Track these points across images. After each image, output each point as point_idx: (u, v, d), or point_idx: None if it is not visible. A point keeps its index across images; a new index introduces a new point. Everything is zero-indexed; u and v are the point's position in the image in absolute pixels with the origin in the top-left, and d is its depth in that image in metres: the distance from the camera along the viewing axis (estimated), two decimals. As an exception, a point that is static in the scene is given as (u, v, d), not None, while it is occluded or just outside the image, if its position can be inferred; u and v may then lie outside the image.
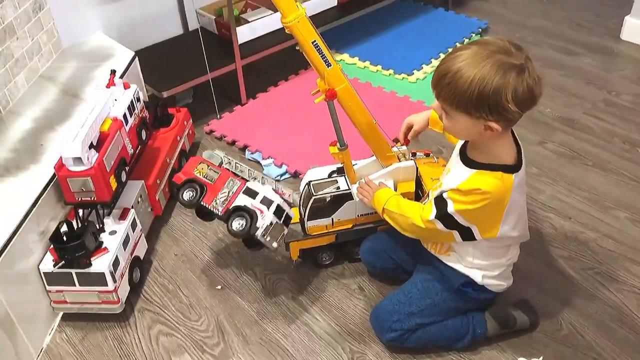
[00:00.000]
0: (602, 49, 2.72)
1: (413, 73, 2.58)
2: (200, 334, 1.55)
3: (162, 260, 1.77)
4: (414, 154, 2.07)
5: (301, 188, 1.64)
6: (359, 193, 1.55)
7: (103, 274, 1.50)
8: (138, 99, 1.81)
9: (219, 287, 1.68)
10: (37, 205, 1.53)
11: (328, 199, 1.60)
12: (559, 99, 2.39)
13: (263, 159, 2.12)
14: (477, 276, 1.39)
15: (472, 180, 1.24)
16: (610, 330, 1.50)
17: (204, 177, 1.55)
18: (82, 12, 2.24)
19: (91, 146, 1.54)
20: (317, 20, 2.59)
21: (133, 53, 2.18)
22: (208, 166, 1.58)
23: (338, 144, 1.52)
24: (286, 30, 1.32)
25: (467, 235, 1.31)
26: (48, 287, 1.54)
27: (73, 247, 1.48)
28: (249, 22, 2.43)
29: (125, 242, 1.60)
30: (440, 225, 1.31)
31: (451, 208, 1.27)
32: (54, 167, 1.53)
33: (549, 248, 1.73)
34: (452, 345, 1.46)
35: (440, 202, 1.29)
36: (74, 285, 1.52)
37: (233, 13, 2.30)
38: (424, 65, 2.62)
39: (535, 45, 2.76)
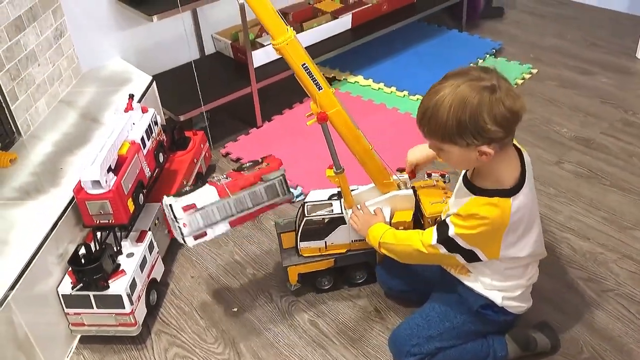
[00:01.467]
0: (618, 68, 2.71)
1: (427, 94, 2.58)
2: (217, 357, 1.55)
3: (179, 282, 1.78)
4: (429, 175, 2.07)
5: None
6: (352, 219, 1.55)
7: (120, 296, 1.51)
8: (156, 123, 1.84)
9: (235, 309, 1.68)
10: (56, 228, 1.55)
11: (323, 222, 1.60)
12: (575, 118, 2.38)
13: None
14: (496, 297, 1.37)
15: (470, 205, 1.24)
16: (633, 353, 1.47)
17: None
18: (101, 37, 2.29)
19: (109, 169, 1.56)
20: (332, 43, 2.64)
21: (150, 77, 2.22)
22: None
23: (334, 167, 1.52)
24: (276, 53, 1.33)
25: (470, 257, 1.30)
26: (66, 310, 1.55)
27: (91, 270, 1.49)
28: (264, 45, 2.47)
29: (142, 265, 1.61)
30: (442, 250, 1.31)
31: (452, 231, 1.27)
32: (73, 190, 1.55)
33: (568, 269, 1.71)
34: None
35: (442, 226, 1.30)
36: (92, 307, 1.53)
37: (249, 37, 2.33)
38: (438, 86, 2.62)
39: (550, 66, 2.76)
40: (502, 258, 1.30)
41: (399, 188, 1.58)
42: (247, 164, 1.56)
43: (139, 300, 1.58)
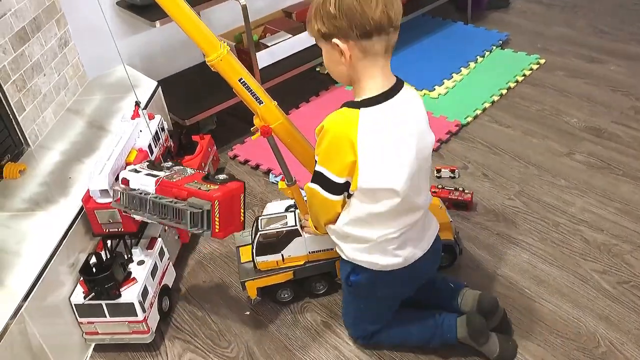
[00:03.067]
0: (627, 55, 2.68)
1: (434, 88, 2.56)
2: (231, 361, 1.55)
3: (191, 287, 1.78)
4: (438, 171, 2.06)
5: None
6: (304, 226, 1.53)
7: (132, 304, 1.51)
8: (162, 129, 1.84)
9: (248, 312, 1.68)
10: (66, 238, 1.56)
11: (278, 235, 1.56)
12: (586, 108, 2.35)
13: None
14: (347, 250, 1.35)
15: (324, 120, 1.23)
16: (651, 346, 1.45)
17: None
18: (105, 45, 2.28)
19: (117, 178, 1.56)
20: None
21: (156, 83, 2.22)
22: None
23: (285, 180, 1.50)
24: (212, 69, 1.33)
25: (340, 188, 1.27)
26: (80, 319, 1.56)
27: (102, 279, 1.49)
28: (268, 46, 2.46)
29: (154, 272, 1.62)
30: (319, 189, 1.27)
31: (317, 164, 1.26)
32: (82, 200, 1.56)
33: (582, 262, 1.69)
34: (425, 346, 1.46)
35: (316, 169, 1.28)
36: (105, 316, 1.54)
37: (252, 39, 2.33)
38: (445, 80, 2.61)
39: (558, 55, 2.72)
40: (360, 190, 1.24)
41: None
42: (217, 177, 1.47)
43: (151, 307, 1.58)
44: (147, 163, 1.58)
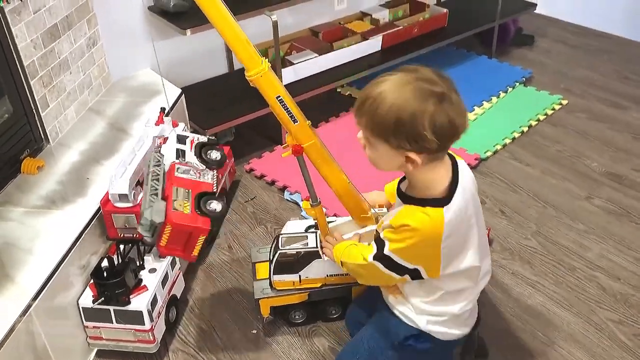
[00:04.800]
0: (650, 103, 2.68)
1: (455, 120, 2.56)
2: (234, 380, 1.52)
3: (199, 300, 1.76)
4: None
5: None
6: (324, 247, 1.51)
7: (141, 312, 1.49)
8: (185, 136, 1.82)
9: (254, 331, 1.65)
10: (80, 239, 1.54)
11: (298, 255, 1.54)
12: (606, 153, 2.34)
13: (302, 200, 2.11)
14: (421, 321, 1.31)
15: (401, 215, 1.18)
16: (664, 403, 1.42)
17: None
18: (132, 48, 2.30)
19: (138, 183, 1.55)
20: (362, 63, 2.62)
21: (180, 90, 2.22)
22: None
23: (310, 200, 1.49)
24: (250, 84, 1.32)
25: (414, 275, 1.24)
26: (85, 323, 1.54)
27: (113, 284, 1.47)
28: (293, 64, 2.46)
29: (164, 281, 1.59)
30: (382, 267, 1.25)
31: (387, 248, 1.22)
32: (100, 202, 1.54)
33: (597, 310, 1.66)
34: None
35: (379, 242, 1.25)
36: (111, 322, 1.51)
37: (279, 54, 2.33)
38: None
39: (581, 98, 2.72)
40: (442, 276, 1.24)
41: (377, 222, 1.55)
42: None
43: (158, 317, 1.56)
44: (200, 143, 1.50)
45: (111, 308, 1.50)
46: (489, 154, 2.34)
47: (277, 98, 1.32)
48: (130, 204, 1.51)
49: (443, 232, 1.17)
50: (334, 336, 1.62)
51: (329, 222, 1.56)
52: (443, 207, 1.16)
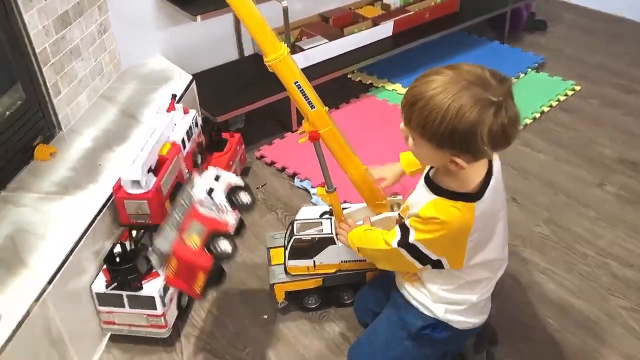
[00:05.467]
0: (665, 89, 2.64)
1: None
2: (246, 365, 1.54)
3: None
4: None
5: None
6: (339, 234, 1.51)
7: (153, 298, 1.50)
8: (196, 124, 1.83)
9: (266, 316, 1.66)
10: (93, 225, 1.55)
11: (312, 241, 1.54)
12: (620, 139, 2.32)
13: (312, 187, 2.12)
14: (439, 310, 1.30)
15: (431, 208, 1.17)
16: (676, 390, 1.42)
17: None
18: (143, 35, 2.29)
19: (150, 170, 1.56)
20: (372, 49, 2.61)
21: (191, 77, 2.21)
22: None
23: (326, 186, 1.49)
24: (269, 69, 1.30)
25: (435, 264, 1.24)
26: (99, 308, 1.55)
27: (126, 270, 1.49)
28: (303, 50, 2.45)
29: (176, 267, 1.60)
30: (406, 254, 1.24)
31: (412, 237, 1.21)
32: (113, 188, 1.55)
33: (609, 297, 1.66)
34: None
35: (403, 229, 1.23)
36: (124, 307, 1.53)
37: (290, 41, 2.32)
38: (478, 99, 2.58)
39: (595, 83, 2.69)
40: (464, 268, 1.23)
41: (392, 210, 1.54)
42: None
43: (170, 303, 1.57)
44: (235, 186, 1.52)
45: (124, 293, 1.51)
46: (500, 140, 2.33)
47: (295, 84, 1.32)
48: (142, 190, 1.51)
49: (472, 227, 1.17)
50: (345, 322, 1.63)
51: (344, 209, 1.57)
52: (475, 201, 1.16)
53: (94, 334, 1.59)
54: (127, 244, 1.58)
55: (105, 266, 1.52)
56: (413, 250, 1.23)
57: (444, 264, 1.24)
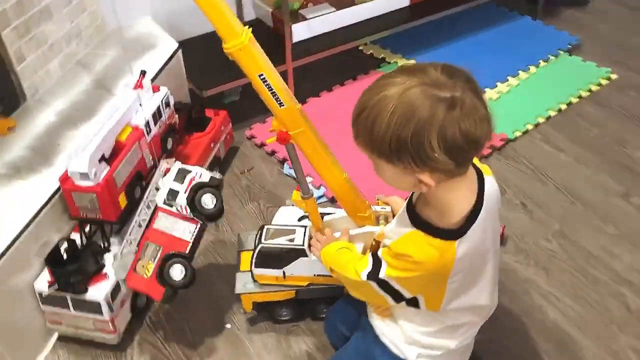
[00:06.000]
0: None
1: (485, 91, 2.27)
2: (199, 380, 1.40)
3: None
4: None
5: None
6: (312, 246, 1.32)
7: (99, 303, 1.35)
8: (167, 104, 1.64)
9: (229, 326, 1.51)
10: (40, 216, 1.40)
11: (281, 250, 1.38)
12: (655, 141, 2.05)
13: (302, 176, 1.92)
14: (411, 354, 1.12)
15: (405, 243, 0.99)
16: None
17: None
18: (130, -6, 2.09)
19: (102, 159, 1.38)
20: (386, 21, 2.35)
21: (177, 44, 2.01)
22: None
23: (301, 191, 1.29)
24: (229, 57, 1.10)
25: (410, 302, 1.06)
26: (42, 307, 1.42)
27: (69, 272, 1.34)
28: (307, 19, 2.21)
29: (131, 266, 1.45)
30: (375, 287, 1.05)
31: (383, 272, 1.02)
32: (59, 179, 1.39)
33: (619, 335, 1.45)
34: None
35: (376, 260, 1.05)
36: (69, 309, 1.39)
37: (287, 7, 2.08)
38: (499, 83, 2.32)
39: (635, 71, 2.37)
40: (442, 311, 1.06)
41: (378, 222, 1.34)
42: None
43: (122, 306, 1.43)
44: (198, 184, 1.37)
45: (68, 296, 1.37)
46: (517, 134, 2.08)
47: (259, 77, 1.11)
48: (91, 183, 1.35)
49: (452, 269, 0.98)
50: (314, 338, 1.47)
51: (326, 214, 1.38)
52: (457, 239, 0.96)
53: (39, 332, 1.46)
54: (79, 238, 1.43)
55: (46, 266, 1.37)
56: (384, 285, 1.05)
57: (420, 303, 1.06)
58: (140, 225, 1.35)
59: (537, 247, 1.68)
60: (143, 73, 1.59)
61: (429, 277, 0.99)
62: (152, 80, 1.76)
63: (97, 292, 1.36)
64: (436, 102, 0.85)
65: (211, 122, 1.89)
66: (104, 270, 1.40)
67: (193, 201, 1.35)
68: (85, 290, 1.36)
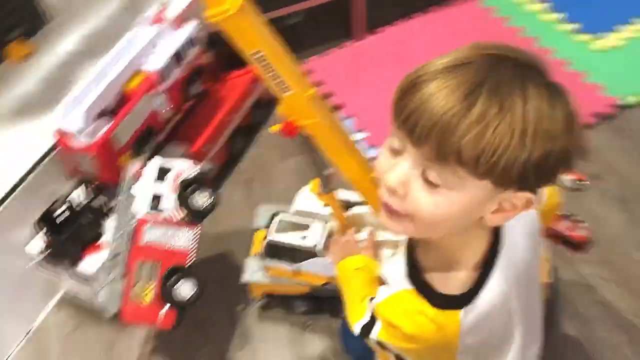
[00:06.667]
0: None
1: (599, 36, 1.81)
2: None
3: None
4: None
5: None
6: (332, 250, 1.06)
7: (91, 276, 1.21)
8: (192, 43, 1.38)
9: (241, 307, 1.34)
10: (38, 168, 1.26)
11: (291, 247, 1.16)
12: None
13: (354, 131, 1.64)
14: None
15: (391, 308, 0.72)
16: None
17: None
18: None
19: (103, 113, 1.18)
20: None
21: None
22: None
23: (321, 185, 1.03)
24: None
25: None
26: (40, 269, 1.30)
27: (61, 240, 1.20)
28: None
29: (135, 234, 1.29)
30: (372, 343, 0.80)
31: (375, 333, 0.76)
32: (54, 133, 1.21)
33: None
34: None
35: (369, 312, 0.79)
36: (64, 275, 1.27)
37: None
38: (618, 27, 1.83)
39: None
40: None
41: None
42: None
43: (121, 278, 1.28)
44: (186, 181, 1.14)
45: (61, 262, 1.24)
46: (631, 99, 1.65)
47: (254, 55, 0.83)
48: (87, 143, 1.16)
49: (458, 344, 0.71)
50: (331, 340, 1.26)
51: (354, 204, 1.12)
52: (461, 308, 0.68)
53: (41, 290, 1.36)
54: (78, 197, 1.27)
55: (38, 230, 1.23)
56: (381, 345, 0.80)
57: None
58: (120, 244, 1.12)
59: (630, 260, 1.33)
60: (164, 5, 1.33)
61: (429, 350, 0.73)
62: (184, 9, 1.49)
63: (90, 265, 1.21)
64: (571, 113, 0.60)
65: (255, 59, 1.62)
66: (101, 239, 1.24)
67: (185, 202, 1.12)
68: (79, 260, 1.22)
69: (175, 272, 1.12)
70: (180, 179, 1.10)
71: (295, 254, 1.16)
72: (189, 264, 1.14)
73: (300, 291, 1.24)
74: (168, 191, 1.09)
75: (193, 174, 1.11)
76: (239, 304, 1.34)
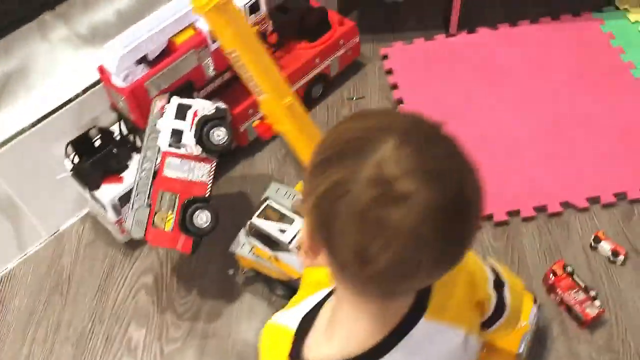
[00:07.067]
0: None
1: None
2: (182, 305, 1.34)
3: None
4: (597, 239, 1.34)
5: None
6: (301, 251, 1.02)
7: (105, 205, 1.32)
8: (254, 8, 1.38)
9: (232, 271, 1.38)
10: (87, 93, 1.36)
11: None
12: None
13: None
14: None
15: (267, 335, 0.67)
16: None
17: None
18: None
19: (143, 59, 1.24)
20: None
21: None
22: None
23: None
24: None
25: None
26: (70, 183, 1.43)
27: (85, 166, 1.30)
28: None
29: (155, 174, 1.37)
30: None
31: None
32: (98, 69, 1.29)
33: None
34: None
35: None
36: (87, 196, 1.38)
37: None
38: None
39: None
40: None
41: None
42: None
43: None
44: (203, 118, 1.17)
45: (84, 184, 1.35)
46: None
47: (231, 53, 0.83)
48: (121, 84, 1.23)
49: None
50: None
51: None
52: None
53: (71, 202, 1.49)
54: (116, 128, 1.36)
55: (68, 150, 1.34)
56: None
57: None
58: (146, 175, 1.21)
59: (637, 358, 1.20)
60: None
61: None
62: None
63: (106, 194, 1.31)
64: None
65: (327, 33, 1.59)
66: (125, 172, 1.33)
67: (201, 138, 1.16)
68: (97, 187, 1.32)
69: (193, 203, 1.19)
70: (198, 117, 1.15)
71: (272, 243, 1.18)
72: (206, 195, 1.21)
73: (280, 276, 1.26)
74: (188, 127, 1.15)
75: (210, 112, 1.15)
76: (230, 266, 1.39)
